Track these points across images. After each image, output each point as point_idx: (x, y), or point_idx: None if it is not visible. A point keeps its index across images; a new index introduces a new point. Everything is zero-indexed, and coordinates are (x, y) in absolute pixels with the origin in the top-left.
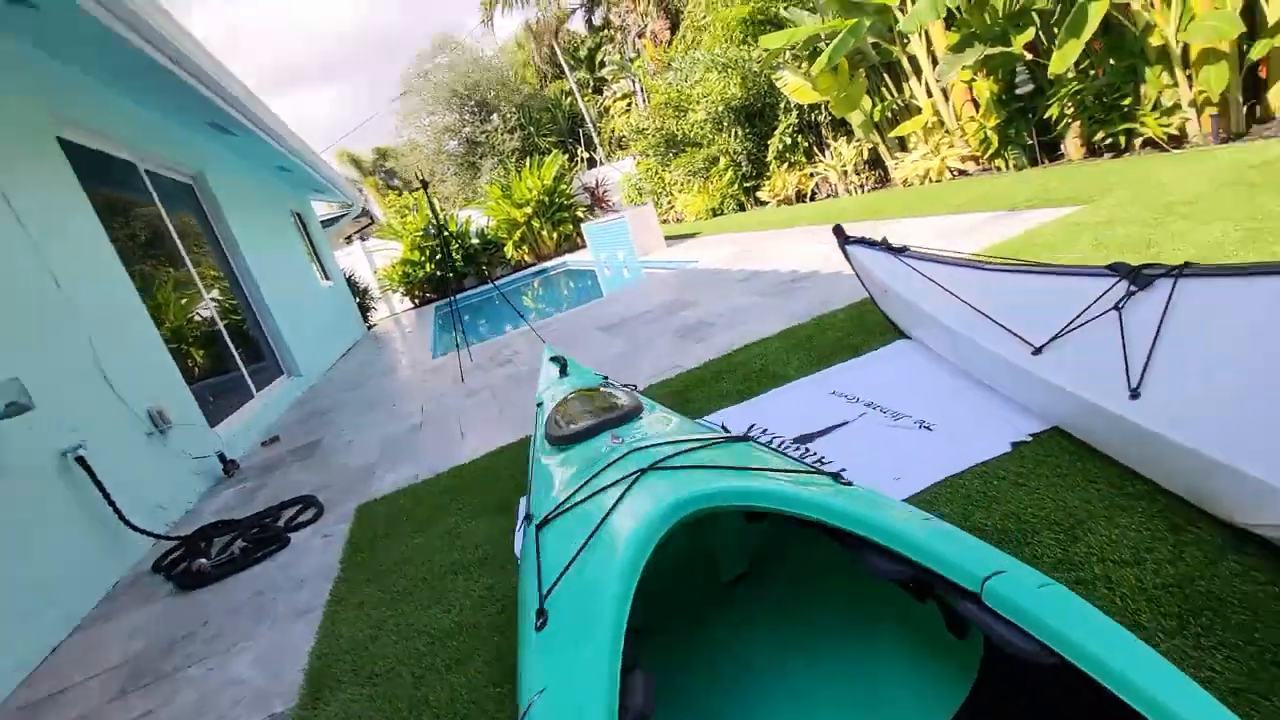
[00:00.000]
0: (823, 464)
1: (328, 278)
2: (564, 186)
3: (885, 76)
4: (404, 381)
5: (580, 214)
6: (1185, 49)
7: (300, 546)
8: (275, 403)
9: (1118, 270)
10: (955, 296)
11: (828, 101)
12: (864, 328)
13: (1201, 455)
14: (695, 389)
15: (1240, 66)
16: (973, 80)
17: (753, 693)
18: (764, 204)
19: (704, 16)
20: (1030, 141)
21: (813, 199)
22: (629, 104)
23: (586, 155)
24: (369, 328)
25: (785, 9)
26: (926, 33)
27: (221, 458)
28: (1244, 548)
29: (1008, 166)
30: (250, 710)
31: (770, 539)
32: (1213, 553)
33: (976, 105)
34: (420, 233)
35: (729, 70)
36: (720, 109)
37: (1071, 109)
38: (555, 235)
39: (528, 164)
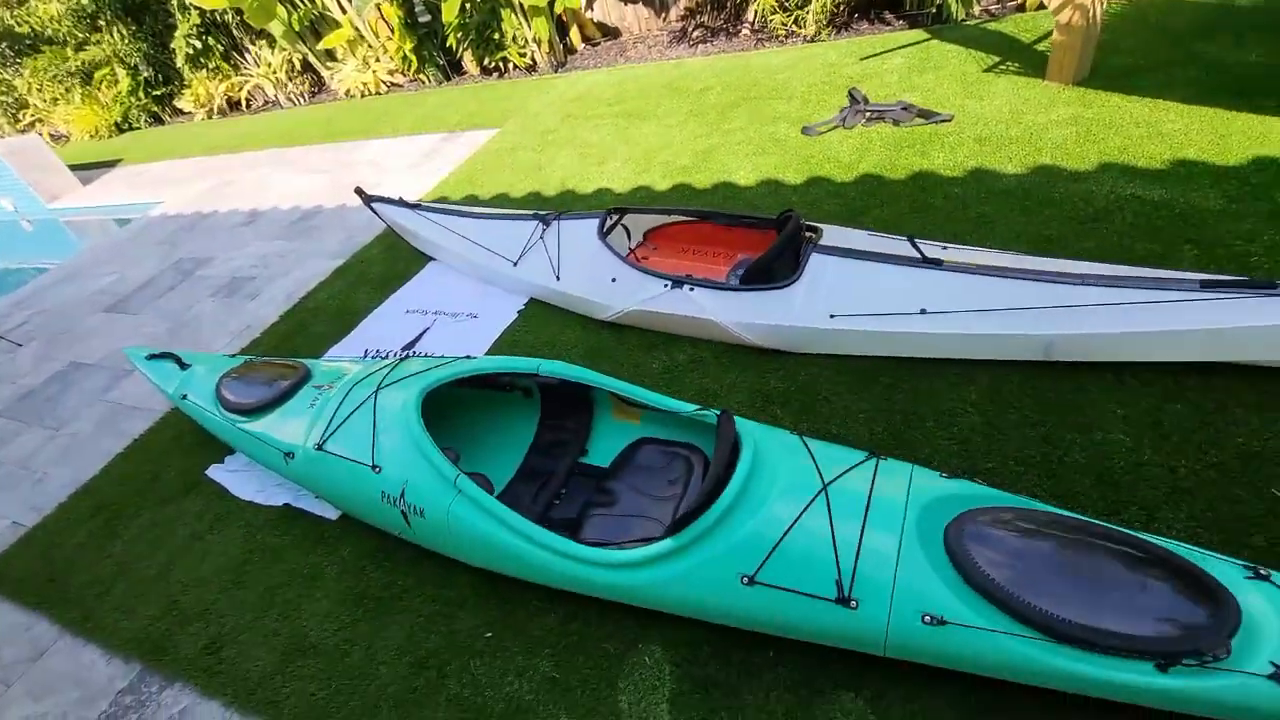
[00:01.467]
0: (430, 355)
1: None
2: None
3: None
4: None
5: None
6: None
7: None
8: None
9: (538, 216)
10: (460, 236)
11: (239, 9)
12: (400, 256)
13: (581, 297)
14: (292, 339)
15: (552, 16)
16: (380, 4)
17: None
18: (187, 114)
19: None
20: (441, 61)
21: (249, 107)
22: None
23: None
24: None
25: None
26: None
27: None
28: (616, 328)
29: (430, 81)
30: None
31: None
32: (597, 329)
33: (391, 27)
34: None
35: None
36: (86, 1)
37: (463, 41)
38: None
39: None
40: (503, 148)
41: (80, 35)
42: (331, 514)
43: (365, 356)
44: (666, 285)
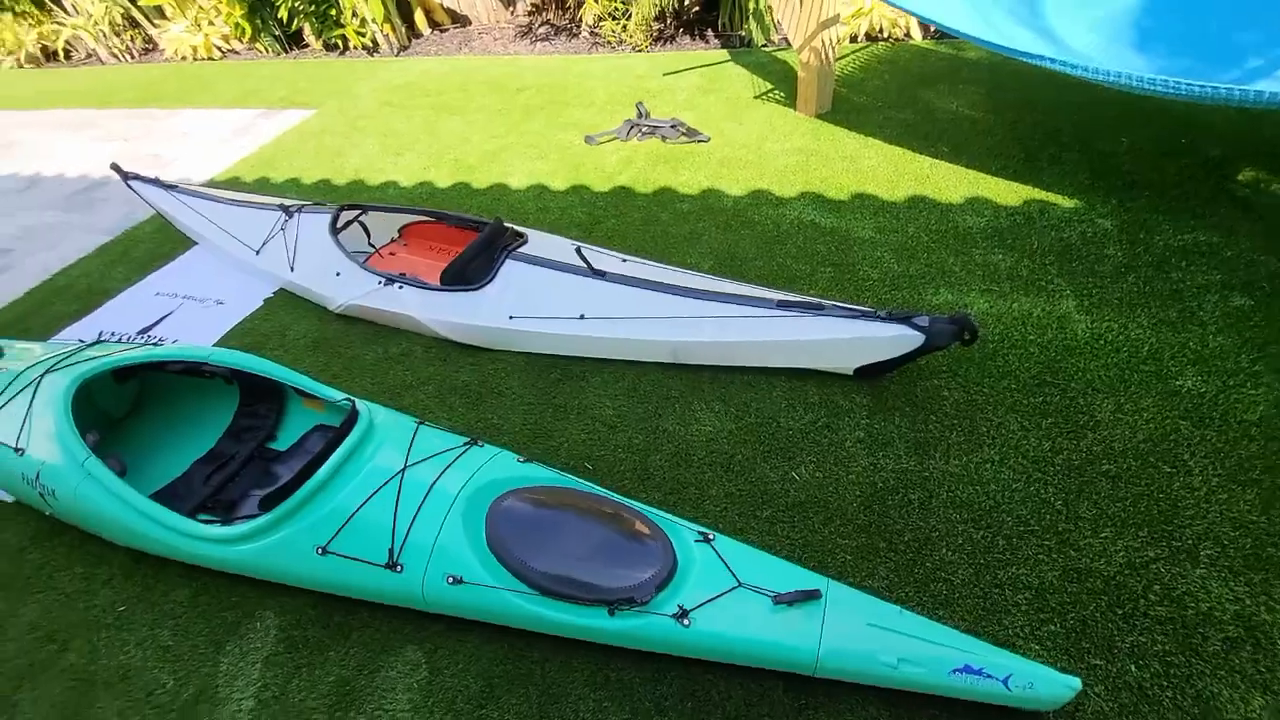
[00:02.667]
0: (164, 341)
1: None
2: None
3: None
4: None
5: None
6: None
7: None
8: None
9: (282, 207)
10: (211, 221)
11: None
12: (170, 238)
13: (310, 289)
14: (28, 319)
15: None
16: None
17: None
18: None
19: None
20: (277, 32)
21: (68, 58)
22: None
23: None
24: None
25: None
26: None
27: None
28: (346, 320)
29: (266, 51)
30: None
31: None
32: (330, 320)
33: None
34: None
35: None
36: None
37: (298, 12)
38: None
39: None
40: (312, 130)
41: None
42: (6, 496)
43: (99, 339)
44: (380, 282)
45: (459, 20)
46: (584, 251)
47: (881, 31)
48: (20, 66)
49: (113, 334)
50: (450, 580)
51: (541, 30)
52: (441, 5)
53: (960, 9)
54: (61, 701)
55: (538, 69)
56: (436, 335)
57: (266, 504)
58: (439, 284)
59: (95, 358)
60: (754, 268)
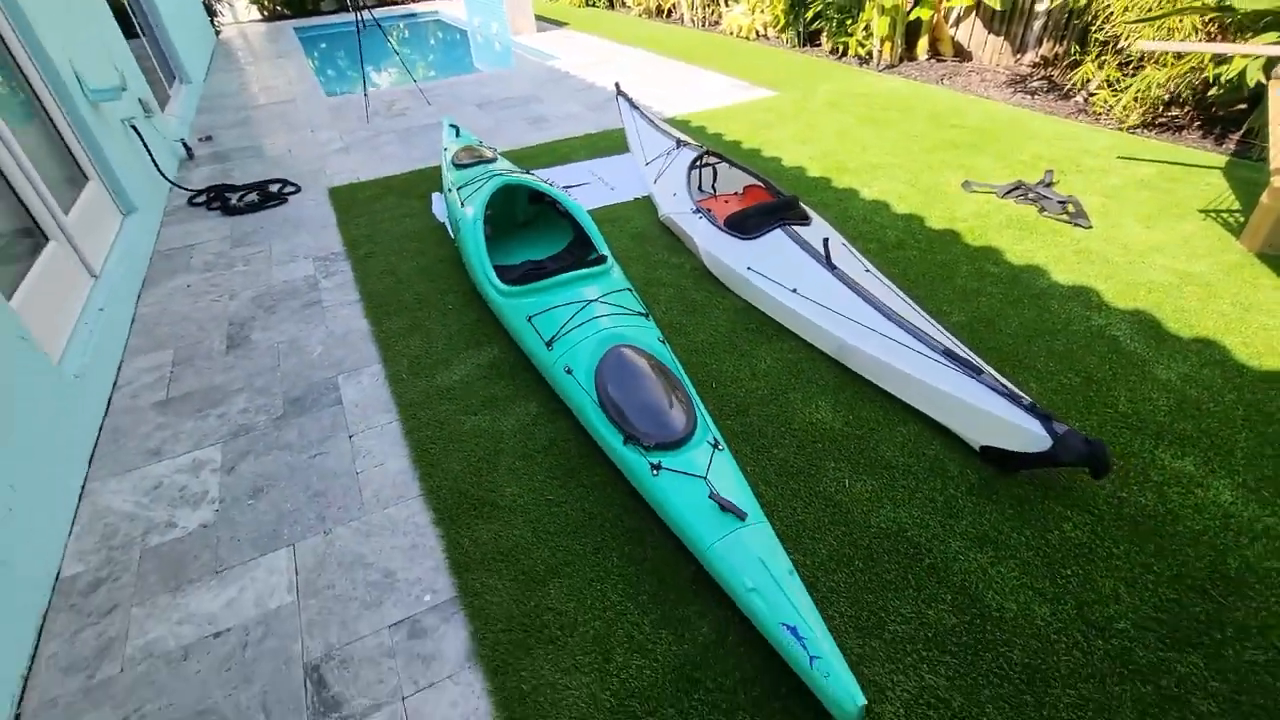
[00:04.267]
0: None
1: None
2: None
3: None
4: (309, 112)
5: None
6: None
7: (296, 204)
8: (183, 109)
9: (677, 141)
10: (637, 135)
11: None
12: (619, 143)
13: (653, 196)
14: (530, 159)
15: (904, 20)
16: None
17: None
18: (628, 8)
19: None
20: (802, 29)
21: (668, 16)
22: None
23: None
24: (216, 34)
25: None
26: None
27: (184, 144)
28: (664, 228)
29: (787, 42)
30: (318, 252)
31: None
32: (654, 223)
33: None
34: None
35: None
36: None
37: (822, 17)
38: None
39: None
40: (761, 106)
41: None
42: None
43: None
44: (692, 209)
45: (961, 55)
46: (829, 243)
47: None
48: (641, 15)
49: (550, 180)
50: (565, 369)
51: (1036, 84)
52: (953, 38)
53: None
54: (404, 328)
55: (990, 114)
56: (702, 261)
57: (521, 281)
58: (722, 226)
59: (518, 177)
60: (1015, 362)
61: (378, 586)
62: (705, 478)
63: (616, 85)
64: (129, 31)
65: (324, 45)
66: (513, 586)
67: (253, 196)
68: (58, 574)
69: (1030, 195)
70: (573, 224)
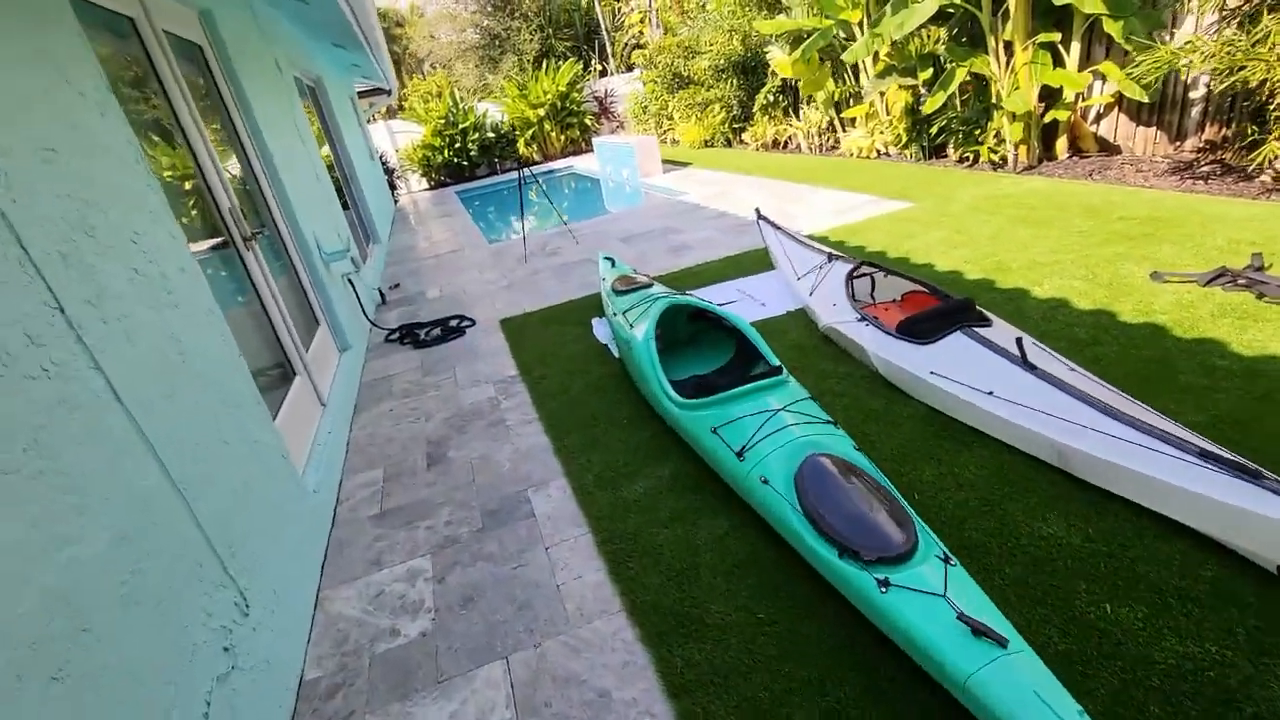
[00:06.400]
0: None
1: (370, 155)
2: (576, 94)
3: (845, 67)
4: (474, 259)
5: (588, 121)
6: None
7: (472, 336)
8: (376, 263)
9: (830, 254)
10: (784, 253)
11: (800, 80)
12: (761, 263)
13: (811, 307)
14: (677, 281)
15: (1039, 124)
16: (887, 92)
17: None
18: (745, 144)
19: None
20: (925, 144)
21: (784, 148)
22: (643, 18)
23: (599, 66)
24: (395, 203)
25: None
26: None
27: (380, 292)
28: (825, 340)
29: (911, 157)
30: (497, 376)
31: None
32: (812, 335)
33: (898, 109)
34: (442, 120)
35: (734, 33)
36: (722, 61)
37: (947, 130)
38: (563, 138)
39: (544, 67)
40: (900, 217)
41: (710, 82)
42: (616, 355)
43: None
44: (857, 318)
45: (1108, 149)
46: (1024, 343)
47: None
48: (757, 150)
49: (703, 297)
50: (761, 479)
51: (1205, 169)
52: (1094, 134)
53: None
54: (583, 442)
55: (1157, 203)
56: (873, 368)
57: (699, 393)
58: (894, 331)
59: (681, 299)
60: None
61: (593, 706)
62: (945, 595)
63: (757, 210)
64: (343, 205)
65: (477, 203)
66: (737, 716)
67: (436, 331)
68: (300, 677)
69: (1240, 281)
70: (739, 339)
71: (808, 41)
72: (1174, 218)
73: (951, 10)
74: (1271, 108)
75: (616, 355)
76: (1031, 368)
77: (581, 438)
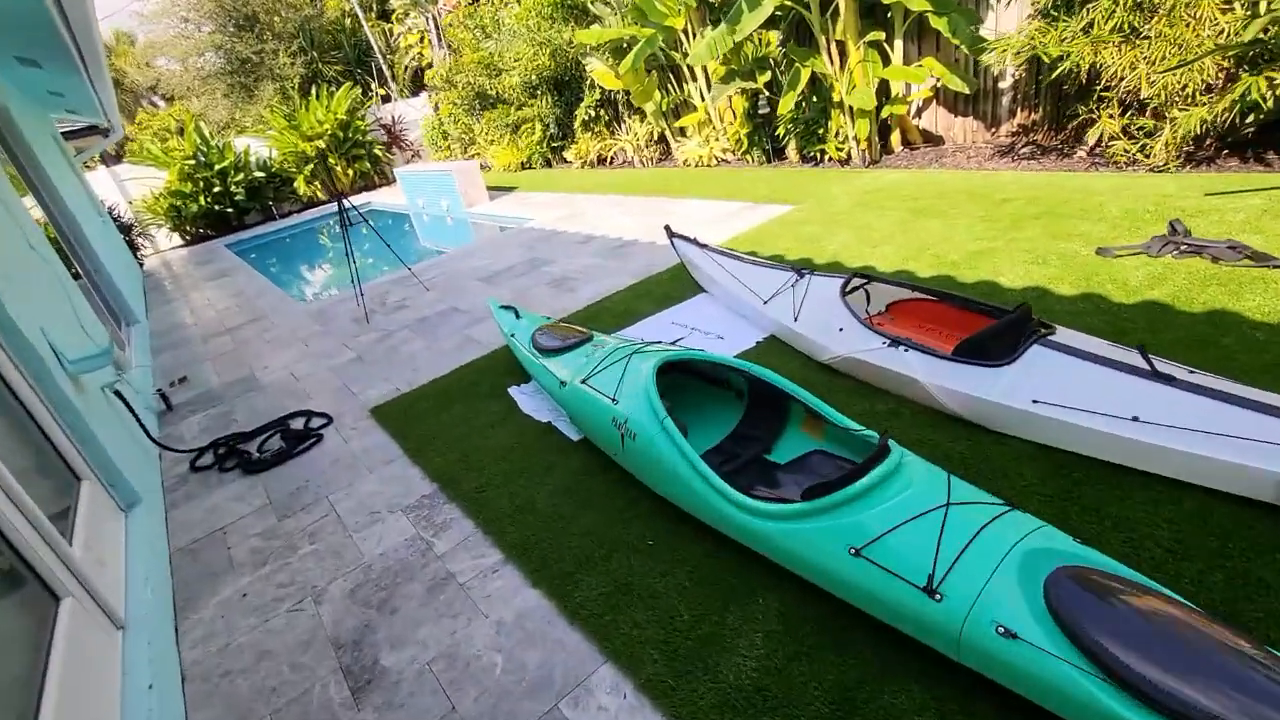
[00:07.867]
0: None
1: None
2: (359, 122)
3: (671, 76)
4: (288, 327)
5: (378, 151)
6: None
7: (335, 440)
8: (139, 352)
9: (794, 269)
10: (729, 274)
11: (628, 91)
12: (680, 285)
13: (809, 337)
14: (588, 322)
15: (877, 119)
16: (731, 95)
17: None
18: (568, 163)
19: None
20: (768, 146)
21: (610, 163)
22: (422, 37)
23: (381, 91)
24: (140, 266)
25: (592, 2)
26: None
27: (160, 395)
28: (831, 372)
29: (753, 161)
30: (405, 500)
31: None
32: (816, 369)
33: (735, 114)
34: (190, 160)
35: (542, 46)
36: (533, 78)
37: (790, 131)
38: (351, 172)
39: (313, 93)
40: (791, 220)
41: (522, 100)
42: (575, 436)
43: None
44: (884, 343)
45: (931, 140)
46: (1148, 352)
47: None
48: (582, 167)
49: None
50: (1001, 631)
51: (1025, 150)
52: (917, 127)
53: None
54: (605, 594)
55: (1021, 183)
56: (933, 403)
57: (808, 495)
58: (950, 354)
59: (661, 350)
60: None
61: None
62: None
63: (667, 228)
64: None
65: (256, 255)
66: None
67: (276, 442)
68: None
69: (1183, 248)
70: (751, 392)
71: (635, 50)
72: (1054, 196)
73: (780, 13)
74: (1097, 88)
75: (576, 437)
76: (1169, 379)
77: (601, 584)
